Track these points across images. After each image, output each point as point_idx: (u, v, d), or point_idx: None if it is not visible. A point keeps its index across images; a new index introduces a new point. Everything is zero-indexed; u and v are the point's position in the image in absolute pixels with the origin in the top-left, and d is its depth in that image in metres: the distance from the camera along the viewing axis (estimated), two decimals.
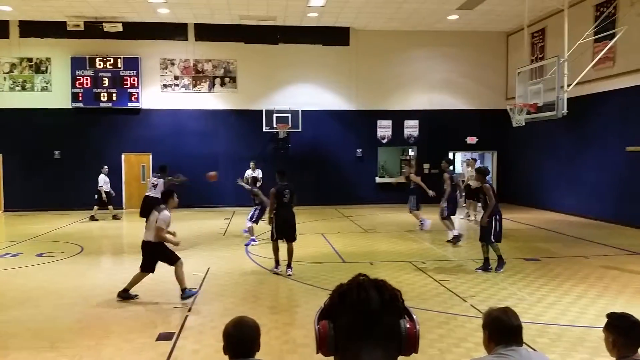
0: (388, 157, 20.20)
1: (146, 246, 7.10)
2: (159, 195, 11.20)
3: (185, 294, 6.95)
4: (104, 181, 15.75)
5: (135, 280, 7.15)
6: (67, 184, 17.51)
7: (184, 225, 11.28)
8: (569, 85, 11.26)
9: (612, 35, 12.55)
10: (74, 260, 9.89)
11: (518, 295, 7.18)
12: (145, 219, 11.07)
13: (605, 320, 2.93)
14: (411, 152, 19.96)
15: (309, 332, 1.33)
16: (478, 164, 16.85)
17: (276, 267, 8.67)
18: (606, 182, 14.10)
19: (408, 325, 1.30)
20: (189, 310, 6.59)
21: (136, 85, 17.87)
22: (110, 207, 15.80)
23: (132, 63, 17.84)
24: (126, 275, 8.49)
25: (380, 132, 19.29)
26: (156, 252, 7.06)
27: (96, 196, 15.64)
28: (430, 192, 12.27)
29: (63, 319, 6.38)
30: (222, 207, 17.32)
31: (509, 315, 2.72)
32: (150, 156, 18.07)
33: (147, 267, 7.12)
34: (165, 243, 7.08)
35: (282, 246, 8.68)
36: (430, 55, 19.05)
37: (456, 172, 11.58)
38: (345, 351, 1.29)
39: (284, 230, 8.54)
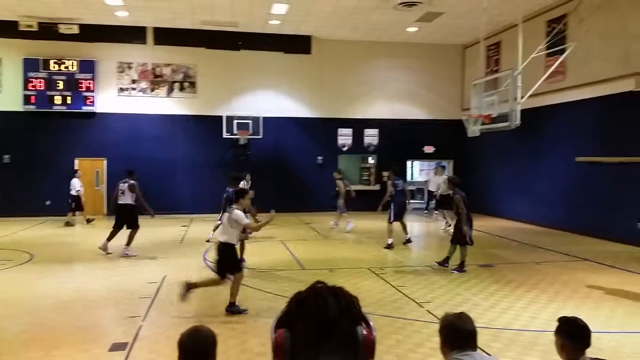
0: (348, 164, 20.34)
1: (221, 247, 6.86)
2: (129, 202, 10.77)
3: (233, 308, 6.64)
4: (80, 185, 15.49)
5: (208, 283, 6.82)
6: (17, 189, 16.82)
7: (140, 232, 10.98)
8: (522, 98, 11.64)
9: (563, 50, 13.07)
10: (23, 268, 9.49)
11: (473, 301, 7.34)
12: (119, 229, 10.67)
13: (556, 324, 3.02)
14: (371, 160, 20.19)
15: (267, 340, 1.33)
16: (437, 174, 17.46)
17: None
18: (557, 190, 14.63)
19: (365, 332, 1.30)
20: (143, 320, 6.42)
21: (92, 89, 17.40)
22: (71, 213, 15.45)
23: (88, 66, 17.37)
24: (78, 284, 8.25)
25: (340, 140, 19.44)
26: (227, 254, 6.83)
27: (72, 202, 15.34)
28: (340, 202, 14.58)
29: (9, 330, 6.11)
30: (179, 214, 17.02)
31: (463, 320, 2.76)
32: (105, 161, 17.60)
33: (223, 271, 6.79)
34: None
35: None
36: (390, 66, 19.37)
37: (400, 180, 12.11)
38: (302, 359, 1.28)
39: None
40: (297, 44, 18.58)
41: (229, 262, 6.84)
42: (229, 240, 6.85)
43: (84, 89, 17.34)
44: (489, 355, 4.90)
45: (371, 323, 1.32)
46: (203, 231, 13.91)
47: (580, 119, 13.78)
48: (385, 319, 6.43)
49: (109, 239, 10.72)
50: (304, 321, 1.28)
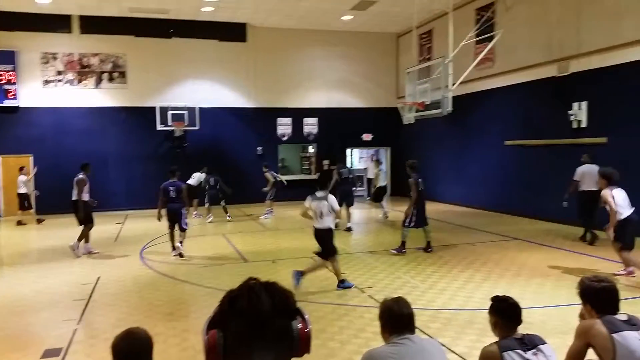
0: (289, 154, 20.34)
1: (320, 233, 7.35)
2: (81, 198, 10.12)
3: (344, 284, 7.32)
4: (26, 180, 14.98)
5: (313, 268, 7.47)
6: None
7: (70, 232, 10.45)
8: (453, 85, 12.01)
9: (491, 38, 13.57)
10: None
11: (411, 283, 7.54)
12: (82, 225, 10.12)
13: (490, 303, 3.15)
14: (311, 149, 20.25)
15: None
16: (381, 160, 18.85)
17: (173, 251, 9.85)
18: (489, 173, 15.26)
19: (300, 326, 1.29)
20: (78, 323, 6.15)
21: (13, 81, 16.34)
22: (28, 211, 15.06)
23: (8, 57, 16.27)
24: (5, 289, 7.77)
25: (280, 130, 19.34)
26: (328, 237, 7.35)
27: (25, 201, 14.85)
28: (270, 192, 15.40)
29: None
30: (113, 210, 16.39)
31: (400, 305, 2.85)
32: (31, 158, 16.62)
33: (327, 253, 7.38)
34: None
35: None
36: (327, 55, 19.41)
37: (345, 168, 12.76)
38: (236, 358, 1.26)
39: (174, 221, 9.83)
40: (232, 32, 18.24)
41: (330, 244, 7.36)
42: (330, 225, 7.34)
43: (4, 82, 16.25)
44: (429, 336, 5.07)
45: (306, 316, 1.31)
46: (138, 228, 13.50)
47: (508, 104, 14.39)
48: (329, 306, 6.49)
49: (80, 238, 10.19)
50: (238, 319, 1.26)
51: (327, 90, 19.54)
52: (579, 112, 11.84)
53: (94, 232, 10.85)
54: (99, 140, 17.10)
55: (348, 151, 20.62)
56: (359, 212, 16.25)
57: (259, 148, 18.87)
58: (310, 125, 19.63)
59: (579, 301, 3.15)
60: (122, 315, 6.38)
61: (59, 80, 17.01)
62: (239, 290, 1.30)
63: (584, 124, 11.82)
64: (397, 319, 2.80)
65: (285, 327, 1.28)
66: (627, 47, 10.75)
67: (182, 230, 9.81)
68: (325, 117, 19.51)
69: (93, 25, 16.95)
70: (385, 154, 20.94)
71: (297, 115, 19.36)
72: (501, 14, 14.19)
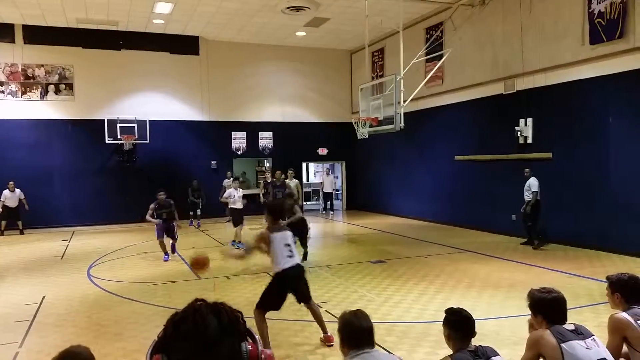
0: (244, 168, 20.17)
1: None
2: None
3: None
4: (4, 197, 14.97)
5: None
6: None
7: (14, 249, 9.94)
8: (404, 101, 12.27)
9: (440, 57, 13.98)
10: None
11: (367, 297, 7.57)
12: None
13: (443, 315, 3.19)
14: (267, 163, 20.17)
15: None
16: (331, 173, 19.76)
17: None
18: (439, 187, 15.63)
19: (250, 347, 1.27)
20: (20, 346, 5.82)
21: None
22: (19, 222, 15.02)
23: None
24: None
25: (235, 144, 19.18)
26: None
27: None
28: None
29: None
30: (59, 227, 15.73)
31: (359, 318, 2.80)
32: None
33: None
34: None
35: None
36: (282, 69, 19.47)
37: (287, 182, 13.45)
38: None
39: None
40: (184, 45, 18.03)
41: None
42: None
43: None
44: (387, 350, 5.08)
45: (256, 337, 1.30)
46: (86, 245, 13.00)
47: (457, 121, 14.83)
48: (284, 322, 6.42)
49: None
50: (182, 344, 1.21)
51: (282, 104, 19.57)
52: (525, 129, 12.33)
53: (39, 249, 10.38)
54: (44, 154, 16.44)
55: (304, 165, 20.71)
56: (314, 226, 16.25)
57: (213, 162, 18.63)
58: (266, 139, 19.58)
59: (529, 312, 3.24)
60: (69, 337, 6.09)
61: (1, 92, 16.29)
62: (183, 312, 1.27)
63: (530, 140, 12.30)
64: (356, 332, 2.75)
65: (234, 350, 1.24)
66: (567, 67, 11.33)
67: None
68: (281, 131, 19.51)
69: (38, 35, 16.37)
70: (340, 168, 21.13)
71: (252, 129, 19.27)
72: (449, 33, 14.67)
